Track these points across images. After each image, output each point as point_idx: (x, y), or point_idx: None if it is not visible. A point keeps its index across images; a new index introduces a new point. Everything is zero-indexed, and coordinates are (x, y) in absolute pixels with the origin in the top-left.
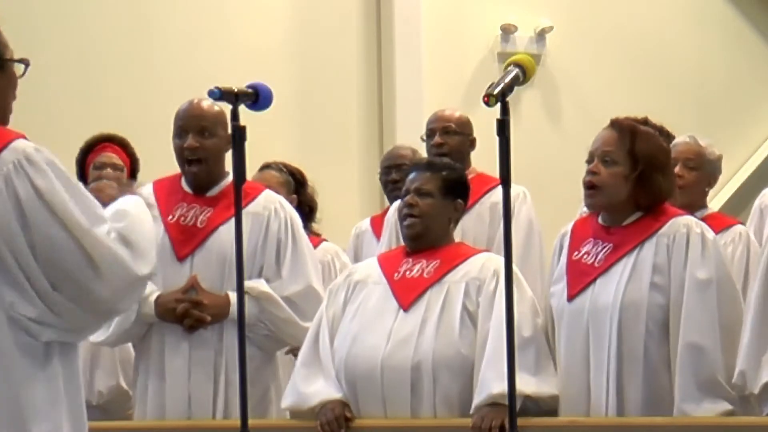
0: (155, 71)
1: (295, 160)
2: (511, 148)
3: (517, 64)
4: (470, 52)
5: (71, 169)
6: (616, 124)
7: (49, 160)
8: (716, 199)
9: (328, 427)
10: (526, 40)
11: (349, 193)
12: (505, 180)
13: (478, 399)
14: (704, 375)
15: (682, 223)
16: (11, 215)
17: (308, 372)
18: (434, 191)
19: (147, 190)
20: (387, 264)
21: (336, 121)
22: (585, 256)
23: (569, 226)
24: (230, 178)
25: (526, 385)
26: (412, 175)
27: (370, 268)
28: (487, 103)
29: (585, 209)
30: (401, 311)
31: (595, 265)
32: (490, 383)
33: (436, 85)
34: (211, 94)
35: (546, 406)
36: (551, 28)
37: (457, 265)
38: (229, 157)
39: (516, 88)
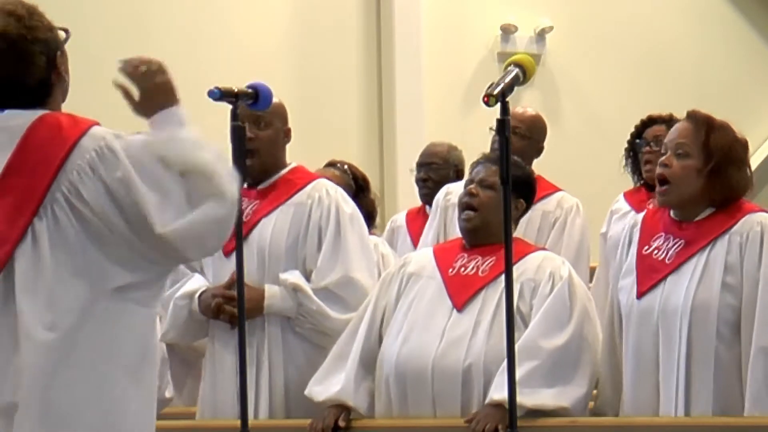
0: None
1: (294, 160)
2: (511, 148)
3: (517, 64)
4: (470, 52)
5: None
6: (691, 116)
7: (128, 147)
8: None
9: None
10: (526, 40)
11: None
12: (505, 180)
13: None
14: None
15: (756, 221)
16: (104, 198)
17: (334, 365)
18: (497, 185)
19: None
20: (442, 257)
21: (336, 120)
22: (656, 252)
23: (638, 218)
24: (285, 170)
25: (529, 398)
26: (478, 167)
27: (424, 260)
28: (487, 103)
29: (617, 206)
30: (455, 311)
31: (666, 261)
32: (498, 387)
33: (436, 85)
34: (211, 94)
35: (555, 415)
36: (551, 28)
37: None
38: (287, 148)
39: (516, 88)
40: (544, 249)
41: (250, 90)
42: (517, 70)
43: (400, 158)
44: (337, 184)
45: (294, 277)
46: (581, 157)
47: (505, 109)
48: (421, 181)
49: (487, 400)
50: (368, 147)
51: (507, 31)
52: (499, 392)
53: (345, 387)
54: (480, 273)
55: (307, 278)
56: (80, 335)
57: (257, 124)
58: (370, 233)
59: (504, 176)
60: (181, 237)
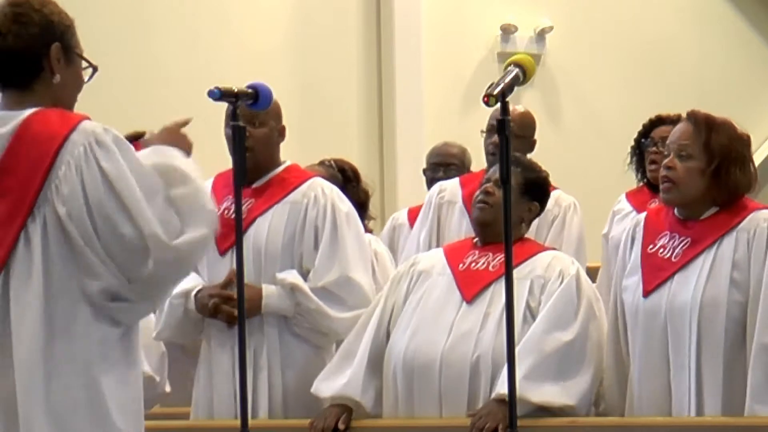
0: (156, 71)
1: (294, 160)
2: (511, 147)
3: (517, 64)
4: (470, 52)
5: None
6: (691, 117)
7: (118, 140)
8: None
9: None
10: (526, 40)
11: None
12: (505, 180)
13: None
14: None
15: (763, 218)
16: (81, 200)
17: (340, 363)
18: (513, 185)
19: (207, 185)
20: (452, 255)
21: (336, 120)
22: (661, 250)
23: (641, 217)
24: (280, 168)
25: (535, 392)
26: (496, 166)
27: (434, 259)
28: (487, 103)
29: (618, 206)
30: (464, 303)
31: (673, 260)
32: (503, 382)
33: (436, 85)
34: (211, 94)
35: (562, 414)
36: (551, 28)
37: (523, 261)
38: (286, 148)
39: (516, 88)
40: (554, 249)
41: (250, 90)
42: (517, 70)
43: (400, 158)
44: (322, 177)
45: (292, 276)
46: (581, 157)
47: (505, 109)
48: (437, 181)
49: (493, 395)
50: (368, 146)
51: (507, 31)
52: (503, 386)
53: (352, 383)
54: (490, 268)
55: (304, 277)
56: (65, 338)
57: (252, 122)
58: (364, 224)
59: (504, 176)
60: (188, 247)
